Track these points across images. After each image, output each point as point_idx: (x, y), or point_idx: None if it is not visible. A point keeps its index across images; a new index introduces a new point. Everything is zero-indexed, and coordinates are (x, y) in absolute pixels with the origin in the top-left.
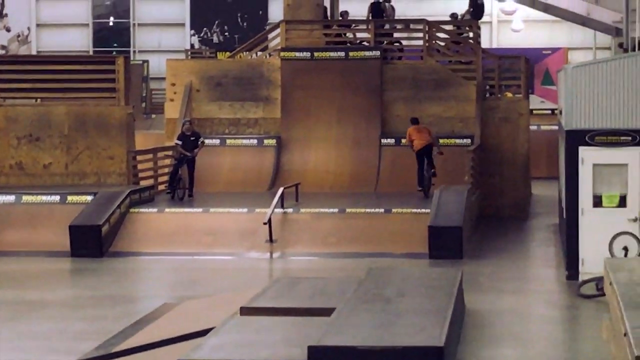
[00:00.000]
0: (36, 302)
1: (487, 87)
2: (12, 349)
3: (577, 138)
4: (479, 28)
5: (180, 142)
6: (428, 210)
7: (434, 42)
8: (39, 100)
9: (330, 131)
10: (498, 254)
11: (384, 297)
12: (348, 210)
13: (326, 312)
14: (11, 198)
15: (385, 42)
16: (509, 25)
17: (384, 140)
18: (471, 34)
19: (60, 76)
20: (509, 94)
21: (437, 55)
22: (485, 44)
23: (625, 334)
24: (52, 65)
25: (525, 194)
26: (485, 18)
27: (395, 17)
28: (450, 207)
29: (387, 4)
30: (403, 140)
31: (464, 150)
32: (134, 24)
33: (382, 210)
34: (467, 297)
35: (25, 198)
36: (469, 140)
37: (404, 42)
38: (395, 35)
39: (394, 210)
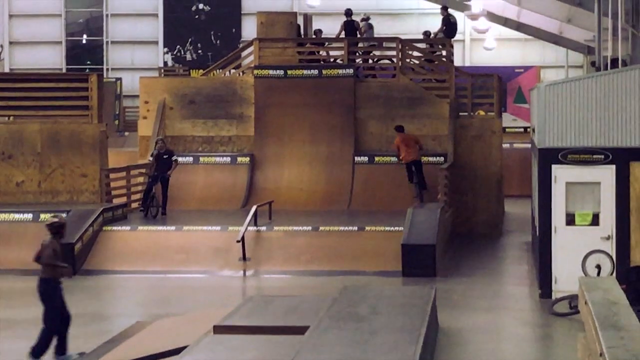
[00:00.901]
0: (8, 320)
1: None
2: None
3: (550, 156)
4: (452, 46)
5: (151, 159)
6: (401, 228)
7: (407, 60)
8: (11, 118)
9: (304, 149)
10: (471, 272)
11: (358, 315)
12: (321, 228)
13: (300, 330)
14: None
15: (360, 60)
16: (482, 44)
17: (357, 158)
18: (444, 52)
19: (34, 94)
20: (482, 112)
21: (410, 73)
22: (458, 62)
23: (601, 354)
24: (25, 83)
25: (498, 211)
26: (458, 36)
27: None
28: (424, 225)
29: (364, 22)
30: (396, 158)
31: (437, 168)
32: (107, 42)
33: (355, 228)
34: (440, 315)
35: None
36: (442, 158)
37: (377, 61)
38: (366, 53)
39: (367, 228)
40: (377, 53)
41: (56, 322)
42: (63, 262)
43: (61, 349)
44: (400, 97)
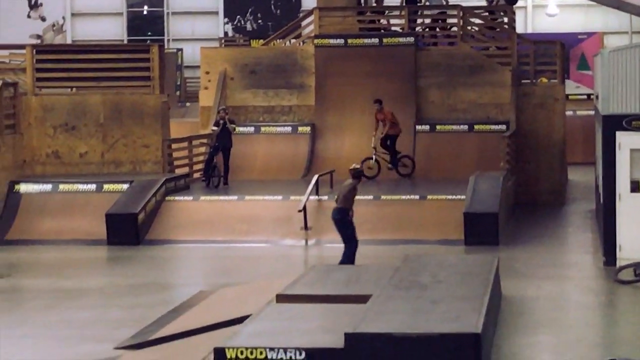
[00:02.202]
0: (73, 290)
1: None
2: (49, 336)
3: (614, 123)
4: (513, 13)
5: (216, 128)
6: (463, 197)
7: (468, 27)
8: (74, 89)
9: (365, 118)
10: (534, 241)
11: (420, 284)
12: (383, 197)
13: (362, 299)
14: (48, 187)
15: (421, 28)
16: (544, 10)
17: (418, 127)
18: (506, 19)
19: (96, 65)
20: (544, 80)
21: (471, 41)
22: (520, 29)
23: None
24: (87, 55)
25: (562, 180)
26: (519, 3)
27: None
28: (486, 193)
29: None
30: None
31: (500, 136)
32: (167, 13)
33: (417, 197)
34: (503, 283)
35: (61, 187)
36: (504, 127)
37: (438, 28)
38: (429, 21)
39: (429, 196)
40: (436, 20)
41: (354, 241)
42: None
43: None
44: (462, 65)
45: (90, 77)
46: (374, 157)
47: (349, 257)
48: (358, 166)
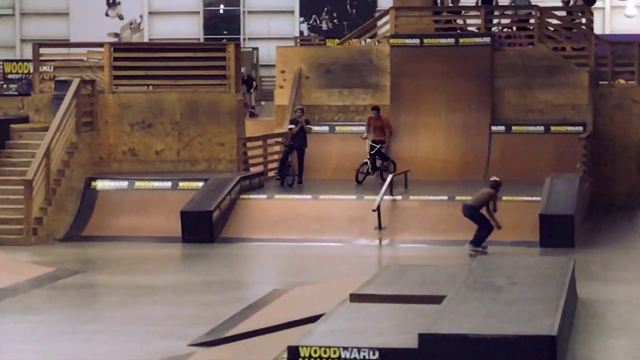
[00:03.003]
0: (148, 286)
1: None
2: (124, 332)
3: None
4: (591, 14)
5: (293, 126)
6: (539, 198)
7: (545, 28)
8: (151, 87)
9: (440, 118)
10: (611, 243)
11: (495, 286)
12: (457, 197)
13: (436, 299)
14: (124, 184)
15: (497, 28)
16: (622, 11)
17: (494, 128)
18: (583, 20)
19: (172, 63)
20: (622, 81)
21: (548, 41)
22: (597, 30)
23: None
24: (164, 53)
25: (639, 182)
26: (598, 4)
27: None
28: (562, 195)
29: None
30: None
31: (576, 137)
32: (243, 12)
33: None
34: (579, 286)
35: (137, 184)
36: (581, 128)
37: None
38: (505, 21)
39: (504, 198)
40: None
41: (488, 226)
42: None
43: (478, 242)
44: (538, 65)
45: (166, 76)
46: (368, 162)
47: (480, 239)
48: (497, 178)
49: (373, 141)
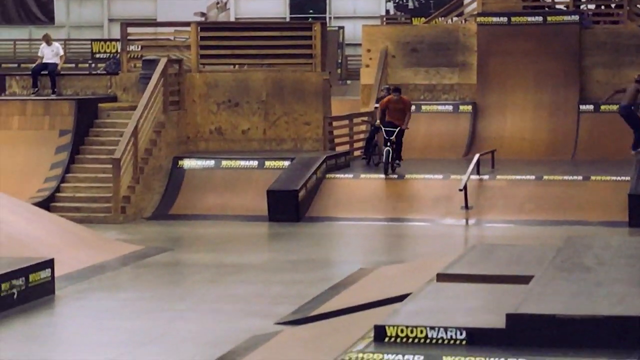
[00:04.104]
0: (234, 265)
1: None
2: (211, 310)
3: None
4: None
5: (378, 107)
6: (628, 178)
7: (636, 5)
8: (237, 66)
9: (527, 97)
10: None
11: (584, 266)
12: (545, 177)
13: (524, 279)
14: (211, 163)
15: (586, 6)
16: None
17: (582, 107)
18: None
19: (259, 42)
20: None
21: (638, 19)
22: None
23: None
24: (250, 32)
25: None
26: None
27: None
28: None
29: None
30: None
31: None
32: None
33: (580, 177)
34: None
35: (224, 163)
36: None
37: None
38: None
39: (592, 177)
40: None
41: None
42: None
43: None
44: (628, 43)
45: (253, 55)
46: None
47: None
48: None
49: (390, 124)
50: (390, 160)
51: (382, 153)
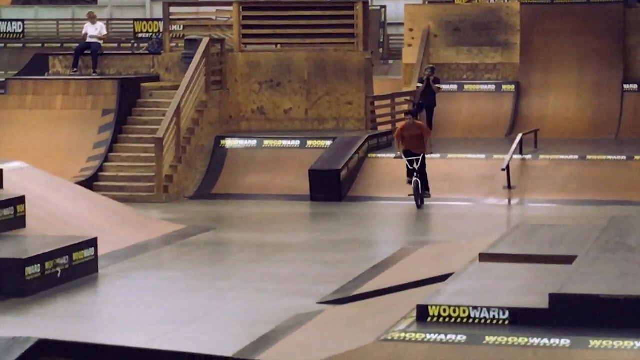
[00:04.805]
0: (276, 244)
1: None
2: (254, 289)
3: None
4: None
5: (421, 85)
6: None
7: None
8: (279, 46)
9: (571, 76)
10: None
11: (627, 246)
12: (588, 157)
13: (567, 260)
14: (253, 142)
15: None
16: None
17: (626, 86)
18: None
19: (301, 22)
20: None
21: None
22: None
23: None
24: (292, 12)
25: None
26: None
27: None
28: None
29: None
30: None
31: None
32: None
33: (624, 157)
34: None
35: (266, 142)
36: None
37: None
38: None
39: (636, 157)
40: None
41: None
42: None
43: None
44: None
45: (295, 34)
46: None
47: None
48: None
49: (410, 153)
50: (420, 191)
51: None
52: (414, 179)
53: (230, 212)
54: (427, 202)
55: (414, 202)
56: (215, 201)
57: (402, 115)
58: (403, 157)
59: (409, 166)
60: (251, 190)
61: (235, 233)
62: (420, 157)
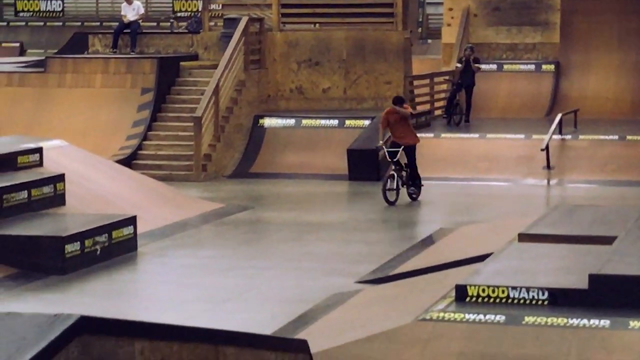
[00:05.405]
0: (315, 224)
1: None
2: (292, 268)
3: None
4: None
5: (460, 65)
6: None
7: None
8: (318, 25)
9: (611, 56)
10: None
11: None
12: (628, 137)
13: (607, 240)
14: (291, 122)
15: None
16: None
17: None
18: None
19: (340, 1)
20: None
21: None
22: None
23: None
24: None
25: None
26: None
27: None
28: None
29: None
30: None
31: None
32: None
33: None
34: None
35: (304, 122)
36: None
37: None
38: None
39: None
40: None
41: None
42: None
43: None
44: None
45: (334, 13)
46: (395, 174)
47: None
48: None
49: (393, 144)
50: (395, 187)
51: (463, 112)
52: (391, 172)
53: (268, 191)
54: (463, 182)
55: (456, 182)
56: (254, 180)
57: (442, 95)
58: (384, 148)
59: (388, 158)
60: (289, 170)
61: (274, 212)
62: (409, 149)
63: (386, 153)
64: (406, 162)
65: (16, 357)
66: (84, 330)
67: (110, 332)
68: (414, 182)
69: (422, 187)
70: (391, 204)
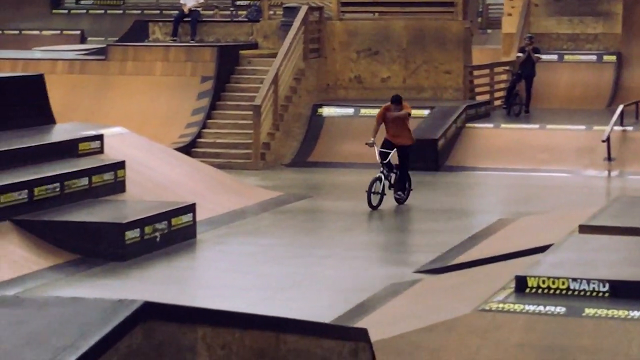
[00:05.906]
0: (373, 213)
1: None
2: (349, 258)
3: None
4: None
5: (521, 55)
6: None
7: None
8: (377, 14)
9: None
10: None
11: None
12: None
13: None
14: (350, 111)
15: None
16: None
17: None
18: None
19: None
20: None
21: None
22: None
23: None
24: None
25: None
26: None
27: None
28: None
29: None
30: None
31: None
32: None
33: None
34: None
35: (363, 111)
36: None
37: None
38: None
39: None
40: None
41: None
42: None
43: None
44: None
45: (393, 2)
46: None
47: None
48: None
49: (387, 143)
50: (382, 190)
51: (522, 103)
52: (378, 174)
53: (326, 180)
54: (523, 173)
55: (516, 173)
56: (312, 169)
57: (501, 85)
58: (375, 146)
59: (378, 158)
60: (347, 159)
61: (332, 201)
62: (403, 150)
63: (377, 153)
64: (397, 163)
65: (80, 342)
66: (148, 316)
67: (173, 318)
68: (402, 186)
69: (419, 187)
70: (374, 208)
